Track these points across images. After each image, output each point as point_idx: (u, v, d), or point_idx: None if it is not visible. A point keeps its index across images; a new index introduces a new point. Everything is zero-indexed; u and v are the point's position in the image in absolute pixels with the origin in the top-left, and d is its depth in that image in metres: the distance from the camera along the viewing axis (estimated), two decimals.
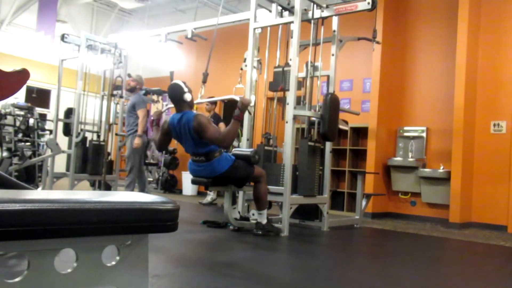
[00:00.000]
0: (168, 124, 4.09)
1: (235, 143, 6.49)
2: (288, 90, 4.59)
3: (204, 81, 4.98)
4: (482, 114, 6.07)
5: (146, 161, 8.62)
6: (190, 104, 4.01)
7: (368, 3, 4.35)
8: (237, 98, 4.49)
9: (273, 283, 2.59)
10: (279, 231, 4.23)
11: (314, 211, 4.95)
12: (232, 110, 5.20)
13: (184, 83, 4.02)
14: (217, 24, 5.30)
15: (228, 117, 4.60)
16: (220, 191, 7.43)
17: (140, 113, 5.76)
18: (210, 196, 7.03)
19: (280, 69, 4.79)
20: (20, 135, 7.42)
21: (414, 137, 6.61)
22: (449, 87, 6.16)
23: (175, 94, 3.97)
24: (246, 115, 4.90)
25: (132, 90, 6.02)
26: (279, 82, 4.79)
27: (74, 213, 0.96)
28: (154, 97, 9.21)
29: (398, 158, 6.62)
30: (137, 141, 5.68)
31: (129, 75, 6.28)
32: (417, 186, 6.42)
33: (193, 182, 4.31)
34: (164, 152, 9.20)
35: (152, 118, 4.43)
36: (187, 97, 3.93)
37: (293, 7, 4.68)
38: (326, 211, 4.80)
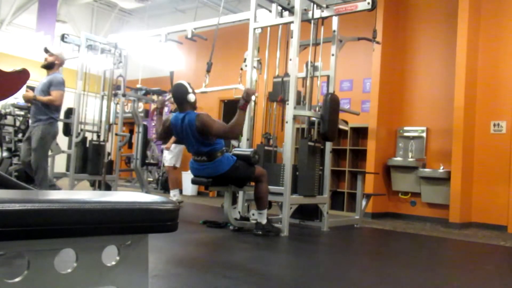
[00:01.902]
0: (170, 123, 4.11)
1: (235, 143, 6.49)
2: (287, 100, 4.57)
3: (208, 70, 5.00)
4: (482, 114, 6.07)
5: (146, 161, 8.63)
6: (193, 105, 4.02)
7: (368, 3, 4.35)
8: (242, 87, 4.50)
9: (273, 283, 2.59)
10: (279, 231, 4.23)
11: (314, 211, 4.95)
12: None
13: (189, 84, 4.04)
14: (217, 24, 5.29)
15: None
16: (221, 191, 7.43)
17: (55, 94, 4.76)
18: (176, 197, 6.69)
19: (280, 79, 4.76)
20: (20, 135, 7.41)
21: (414, 137, 6.61)
22: (449, 87, 6.16)
23: (179, 94, 3.99)
24: (246, 116, 4.91)
25: (49, 66, 5.01)
26: (278, 92, 4.76)
27: (74, 213, 0.96)
28: (154, 97, 9.20)
29: (398, 158, 6.62)
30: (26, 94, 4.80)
31: (46, 50, 5.11)
32: (417, 186, 6.42)
33: (193, 182, 4.31)
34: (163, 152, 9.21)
35: (156, 106, 4.46)
36: (191, 97, 3.96)
37: (293, 7, 4.68)
38: (326, 211, 4.80)
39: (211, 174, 4.02)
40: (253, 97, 4.53)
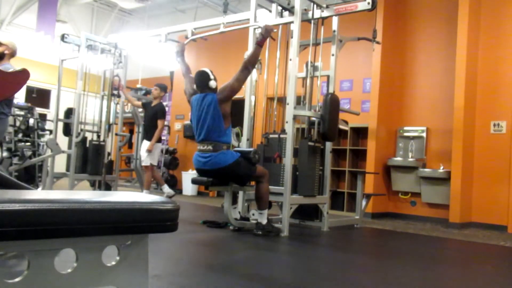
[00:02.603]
0: (191, 101, 4.22)
1: (235, 143, 6.49)
2: (284, 157, 4.55)
3: (225, 11, 5.15)
4: (482, 114, 6.07)
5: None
6: (214, 91, 4.14)
7: (368, 3, 4.35)
8: (261, 25, 4.53)
9: (273, 283, 2.59)
10: (279, 231, 4.23)
11: (314, 211, 4.95)
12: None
13: (211, 71, 4.19)
14: (223, 23, 5.28)
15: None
16: (221, 191, 7.40)
17: None
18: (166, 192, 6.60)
19: (276, 136, 4.73)
20: (20, 135, 7.42)
21: (414, 137, 6.61)
22: (449, 87, 6.16)
23: (202, 80, 4.14)
24: (246, 116, 4.91)
25: None
26: (275, 148, 4.73)
27: (74, 213, 0.96)
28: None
29: (398, 158, 6.62)
30: None
31: None
32: (417, 186, 6.42)
33: (194, 182, 4.31)
34: (164, 152, 9.21)
35: (176, 50, 4.66)
36: (212, 84, 4.12)
37: (293, 7, 4.67)
38: (326, 211, 4.80)
39: (214, 165, 4.02)
40: (274, 30, 4.60)
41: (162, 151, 7.99)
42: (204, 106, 4.05)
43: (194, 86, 4.25)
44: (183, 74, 4.55)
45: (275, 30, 4.67)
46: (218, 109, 4.01)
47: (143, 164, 6.60)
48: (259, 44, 4.13)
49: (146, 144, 6.48)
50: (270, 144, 4.81)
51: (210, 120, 4.02)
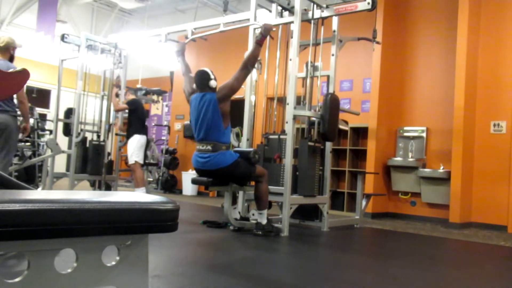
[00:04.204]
0: (190, 95, 4.23)
1: (235, 143, 6.49)
2: (284, 157, 4.55)
3: (225, 10, 5.26)
4: (482, 114, 6.07)
5: (146, 161, 8.62)
6: (214, 91, 4.14)
7: (368, 3, 4.35)
8: (260, 24, 4.53)
9: (273, 283, 2.59)
10: (279, 231, 4.23)
11: (314, 211, 4.95)
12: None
13: (212, 71, 4.19)
14: (223, 23, 5.28)
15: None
16: (221, 191, 7.39)
17: None
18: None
19: (276, 136, 4.74)
20: (20, 135, 7.42)
21: (414, 137, 6.61)
22: (449, 87, 6.16)
23: (202, 79, 4.14)
24: (246, 116, 4.91)
25: None
26: (275, 149, 4.73)
27: (74, 213, 0.96)
28: (154, 97, 9.21)
29: (398, 158, 6.62)
30: None
31: None
32: (417, 186, 6.42)
33: (194, 182, 4.31)
34: (164, 152, 9.22)
35: (176, 49, 4.67)
36: (212, 83, 4.12)
37: (293, 7, 4.67)
38: (326, 211, 4.80)
39: (214, 166, 4.02)
40: (273, 28, 4.64)
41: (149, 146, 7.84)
42: (203, 105, 4.05)
43: (194, 86, 4.25)
44: (183, 73, 4.56)
45: (274, 29, 4.68)
46: (217, 108, 4.01)
47: (129, 163, 6.47)
48: (259, 43, 4.13)
49: (130, 143, 6.41)
50: (270, 145, 4.81)
51: (209, 119, 4.02)
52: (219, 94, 4.05)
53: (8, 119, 4.21)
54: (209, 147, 4.03)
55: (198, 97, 4.13)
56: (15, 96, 4.38)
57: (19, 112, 4.39)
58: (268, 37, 4.39)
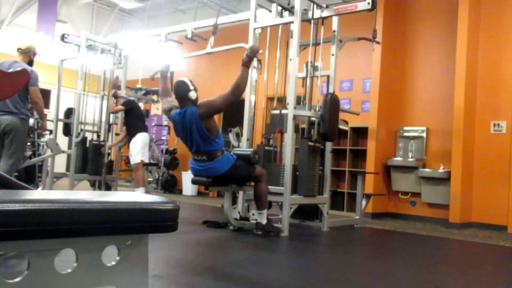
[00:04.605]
0: (172, 117, 4.11)
1: (235, 143, 6.49)
2: (285, 132, 4.54)
3: (214, 32, 5.36)
4: (482, 114, 6.07)
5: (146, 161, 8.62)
6: (195, 102, 4.01)
7: (368, 3, 4.34)
8: (246, 46, 4.49)
9: (273, 283, 2.59)
10: (279, 231, 4.23)
11: (314, 211, 4.95)
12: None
13: (191, 81, 4.06)
14: (217, 21, 5.30)
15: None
16: (221, 191, 7.39)
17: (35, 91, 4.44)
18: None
19: (278, 111, 4.73)
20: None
21: (414, 137, 6.61)
22: (449, 87, 6.16)
23: (181, 91, 3.99)
24: (246, 116, 4.91)
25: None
26: (277, 124, 4.71)
27: (74, 213, 0.96)
28: (154, 97, 9.20)
29: (398, 158, 6.62)
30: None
31: None
32: (417, 186, 6.42)
33: (193, 182, 4.31)
34: (164, 152, 9.21)
35: (160, 70, 4.56)
36: (192, 95, 3.96)
37: (293, 7, 4.67)
38: (326, 211, 4.80)
39: (212, 174, 4.02)
40: (259, 51, 4.52)
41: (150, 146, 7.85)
42: (186, 122, 3.93)
43: (174, 97, 4.12)
44: (160, 95, 4.43)
45: (260, 51, 4.60)
46: (201, 124, 3.88)
47: (132, 163, 6.44)
48: (246, 65, 3.94)
49: (134, 141, 6.40)
50: (271, 120, 4.80)
51: (195, 135, 3.93)
52: (201, 111, 3.88)
53: (15, 121, 4.23)
54: (204, 157, 3.99)
55: (180, 113, 3.98)
56: (27, 98, 4.45)
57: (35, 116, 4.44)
58: (268, 38, 4.38)
